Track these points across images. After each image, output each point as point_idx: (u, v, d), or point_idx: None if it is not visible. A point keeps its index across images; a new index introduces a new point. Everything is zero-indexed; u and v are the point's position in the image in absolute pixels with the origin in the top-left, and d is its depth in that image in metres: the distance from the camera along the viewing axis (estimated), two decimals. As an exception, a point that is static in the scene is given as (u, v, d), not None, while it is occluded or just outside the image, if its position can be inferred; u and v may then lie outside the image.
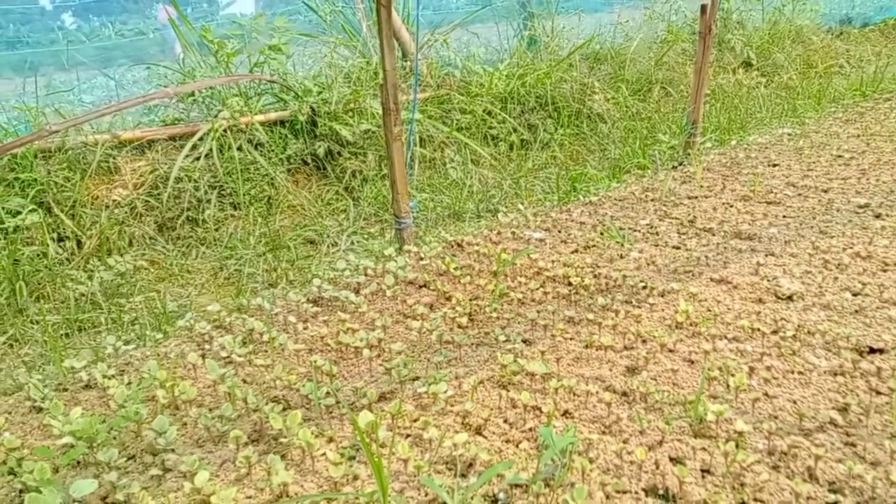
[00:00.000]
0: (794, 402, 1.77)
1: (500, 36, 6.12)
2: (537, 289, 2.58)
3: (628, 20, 6.77)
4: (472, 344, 2.20)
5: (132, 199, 3.64)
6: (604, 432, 1.69)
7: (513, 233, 3.29)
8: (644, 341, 2.14)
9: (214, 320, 2.46)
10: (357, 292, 2.63)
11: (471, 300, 2.51)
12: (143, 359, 2.20)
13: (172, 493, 1.46)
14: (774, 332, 2.14)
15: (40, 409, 1.92)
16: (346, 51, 4.99)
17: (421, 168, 4.47)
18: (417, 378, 1.97)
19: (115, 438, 1.68)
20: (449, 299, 2.56)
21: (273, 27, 4.28)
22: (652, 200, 3.62)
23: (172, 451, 1.62)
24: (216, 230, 3.67)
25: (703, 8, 4.05)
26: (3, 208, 3.28)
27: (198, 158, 3.79)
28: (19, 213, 3.27)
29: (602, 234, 3.18)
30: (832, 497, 1.41)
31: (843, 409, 1.71)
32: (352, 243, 3.60)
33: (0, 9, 6.41)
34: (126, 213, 3.58)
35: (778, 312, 2.27)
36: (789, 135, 4.85)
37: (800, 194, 3.52)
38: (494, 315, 2.40)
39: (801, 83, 6.55)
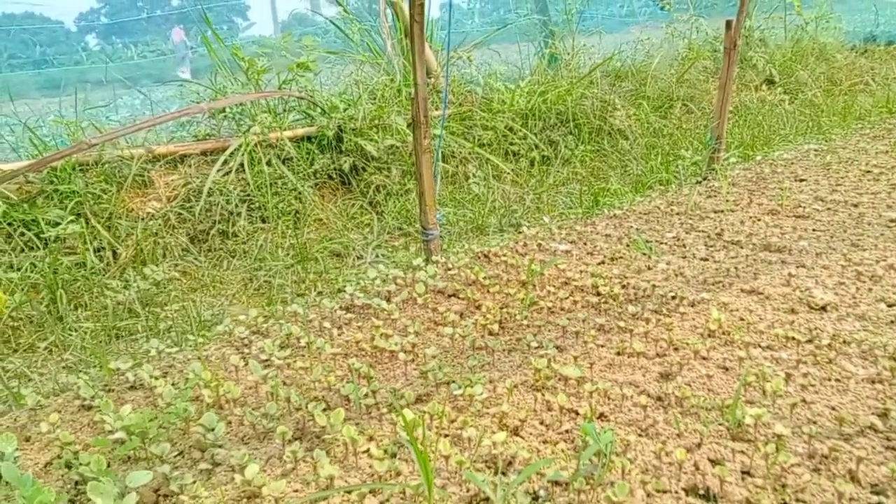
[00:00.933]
0: (833, 408, 1.78)
1: (520, 54, 6.21)
2: (566, 298, 2.60)
3: (649, 38, 6.84)
4: (505, 350, 2.23)
5: (165, 212, 3.72)
6: (641, 434, 1.71)
7: (539, 245, 3.32)
8: (676, 349, 2.16)
9: (252, 325, 2.51)
10: (388, 300, 2.67)
11: (501, 308, 2.54)
12: (186, 361, 2.26)
13: (223, 485, 1.50)
14: (809, 341, 2.15)
15: (90, 408, 1.97)
16: (371, 68, 5.08)
17: (444, 183, 4.52)
18: (452, 381, 2.00)
19: (164, 434, 1.73)
20: (479, 307, 2.59)
21: (301, 45, 4.39)
22: (677, 214, 3.64)
23: (220, 446, 1.67)
24: (246, 242, 3.74)
25: (728, 23, 4.10)
26: (44, 219, 3.38)
27: (228, 172, 3.88)
28: (58, 223, 3.36)
29: (628, 246, 3.20)
30: (875, 498, 1.42)
31: (883, 415, 1.71)
32: (377, 256, 3.65)
33: (27, 31, 6.60)
34: (160, 224, 3.66)
35: (812, 322, 2.28)
36: (816, 150, 4.86)
37: (829, 208, 3.53)
38: (525, 322, 2.43)
39: (826, 100, 6.56)
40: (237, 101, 3.99)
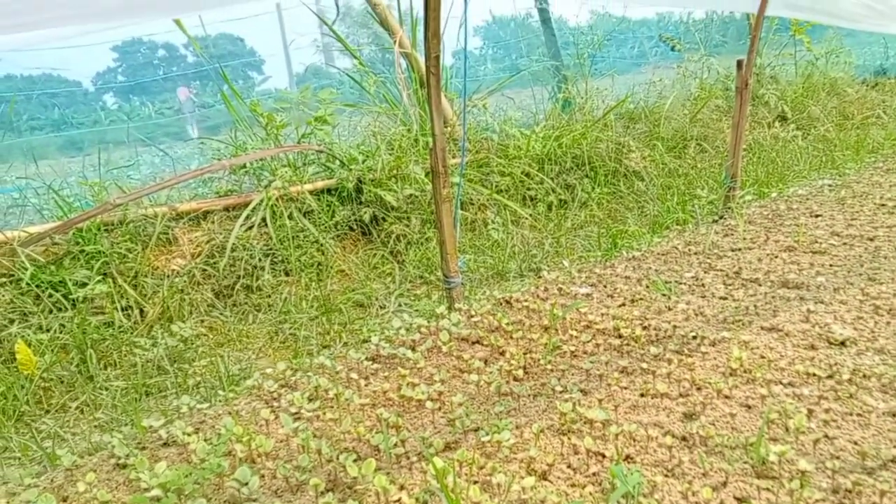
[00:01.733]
0: (855, 443, 1.78)
1: (534, 98, 6.34)
2: (589, 341, 2.63)
3: (661, 79, 6.95)
4: (530, 395, 2.26)
5: (190, 269, 3.81)
6: (667, 475, 1.72)
7: (559, 289, 3.36)
8: (699, 388, 2.18)
9: (280, 379, 2.56)
10: (413, 349, 2.72)
11: (524, 354, 2.58)
12: (217, 417, 2.31)
13: (258, 538, 1.53)
14: (830, 377, 2.16)
15: (125, 466, 2.02)
16: (387, 119, 5.22)
17: (463, 230, 4.59)
18: (479, 428, 2.03)
19: (200, 490, 1.77)
20: (503, 353, 2.63)
21: (319, 99, 4.53)
22: (695, 254, 3.67)
23: (255, 500, 1.70)
24: (270, 296, 3.81)
25: (739, 63, 4.18)
26: (71, 280, 3.48)
27: (251, 227, 3.98)
28: (85, 284, 3.46)
29: (648, 287, 3.23)
30: (904, 534, 1.42)
31: (907, 449, 1.72)
32: (399, 305, 3.71)
33: (47, 93, 6.85)
34: (185, 281, 3.74)
35: (832, 358, 2.29)
36: (830, 186, 4.88)
37: (845, 243, 3.55)
38: (549, 367, 2.46)
39: (838, 135, 6.60)
40: (258, 156, 4.12)
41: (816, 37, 8.41)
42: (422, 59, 5.17)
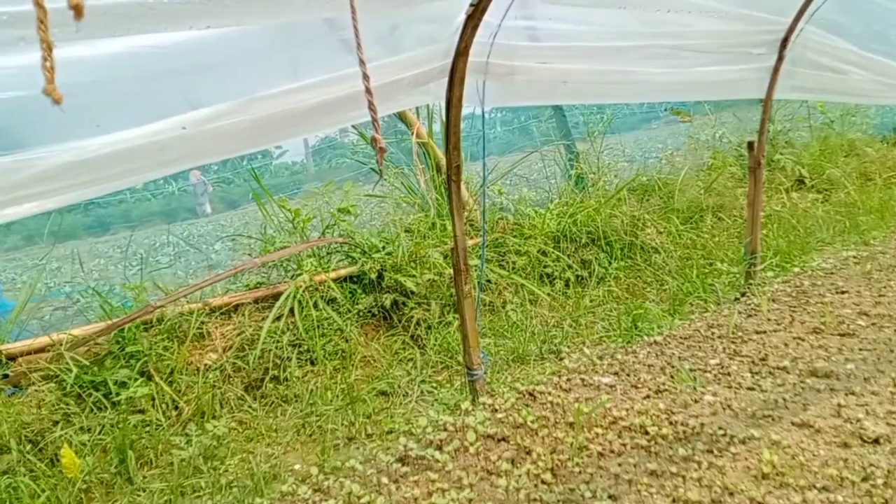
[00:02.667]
0: (896, 559, 1.75)
1: (546, 173, 6.45)
2: (615, 440, 2.62)
3: (672, 150, 7.03)
4: (560, 502, 2.25)
5: (222, 363, 3.87)
6: None
7: (582, 379, 3.36)
8: (731, 494, 2.16)
9: (313, 484, 2.58)
10: (441, 449, 2.72)
11: (551, 453, 2.57)
12: (249, 530, 2.32)
13: None
14: (864, 480, 2.14)
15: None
16: (406, 205, 5.33)
17: (482, 313, 4.63)
18: (510, 543, 2.02)
19: None
20: (529, 453, 2.62)
21: (343, 191, 4.67)
22: (719, 338, 3.66)
23: None
24: (297, 387, 3.85)
25: (751, 144, 4.26)
26: (112, 379, 3.55)
27: (279, 318, 4.05)
28: (125, 383, 3.54)
29: (672, 377, 3.22)
30: None
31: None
32: (422, 392, 3.73)
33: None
34: (217, 375, 3.80)
35: (865, 458, 2.26)
36: (855, 258, 4.85)
37: (873, 324, 3.52)
38: (577, 470, 2.45)
39: (860, 197, 6.54)
40: (287, 254, 4.23)
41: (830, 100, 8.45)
42: (438, 149, 5.33)
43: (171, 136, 1.98)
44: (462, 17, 2.32)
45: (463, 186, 5.36)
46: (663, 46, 3.22)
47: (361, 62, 1.60)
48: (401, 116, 5.39)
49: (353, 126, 5.40)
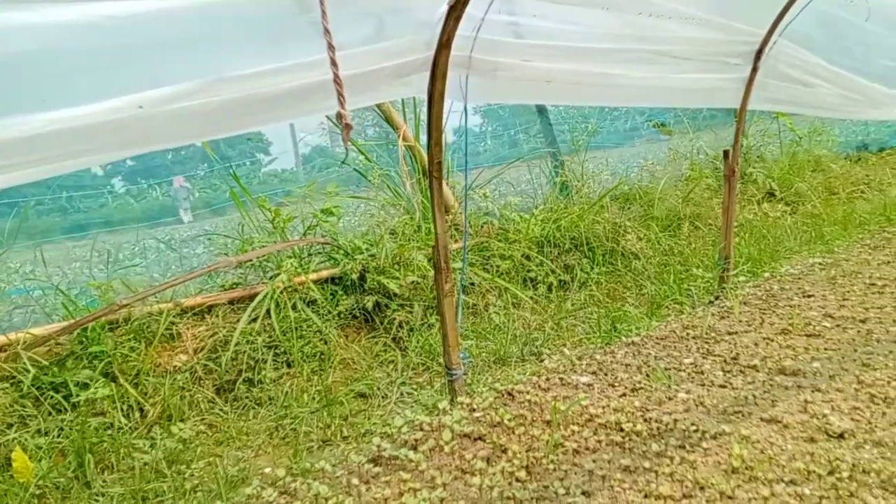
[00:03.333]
0: (860, 548, 1.79)
1: (532, 181, 6.51)
2: (591, 437, 2.65)
3: (653, 161, 7.16)
4: (533, 499, 2.27)
5: (192, 365, 3.83)
6: (673, 587, 1.73)
7: (560, 378, 3.39)
8: (702, 488, 2.19)
9: (280, 486, 2.56)
10: (415, 449, 2.73)
11: (527, 451, 2.59)
12: (220, 527, 2.30)
13: None
14: (830, 473, 2.18)
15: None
16: (391, 208, 5.35)
17: (465, 314, 4.65)
18: (484, 536, 2.03)
19: None
20: (505, 451, 2.64)
21: (325, 192, 4.67)
22: (693, 338, 3.72)
23: None
24: (271, 389, 3.82)
25: (726, 153, 4.35)
26: (73, 381, 3.47)
27: (255, 320, 4.03)
28: (87, 384, 3.46)
29: (648, 375, 3.27)
30: None
31: (910, 555, 1.73)
32: (401, 394, 3.73)
33: (55, 178, 6.99)
34: (187, 378, 3.75)
35: (831, 452, 2.31)
36: (820, 264, 4.98)
37: (838, 325, 3.60)
38: (552, 467, 2.48)
39: (825, 210, 6.75)
40: (264, 252, 4.21)
41: (798, 117, 8.69)
42: (425, 153, 5.35)
43: (127, 115, 1.94)
44: (444, 8, 2.34)
45: (447, 189, 5.41)
46: (646, 51, 3.29)
47: (330, 47, 1.62)
48: (387, 119, 5.41)
49: (328, 117, 5.41)
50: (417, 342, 4.24)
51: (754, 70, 4.09)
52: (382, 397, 3.72)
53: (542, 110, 7.14)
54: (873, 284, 4.24)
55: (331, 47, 1.98)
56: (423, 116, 5.53)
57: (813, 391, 2.82)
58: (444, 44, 2.48)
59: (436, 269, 3.13)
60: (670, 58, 3.50)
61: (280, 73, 2.24)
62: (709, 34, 3.50)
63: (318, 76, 2.24)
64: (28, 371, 3.38)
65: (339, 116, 1.58)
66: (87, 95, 2.02)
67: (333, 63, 1.73)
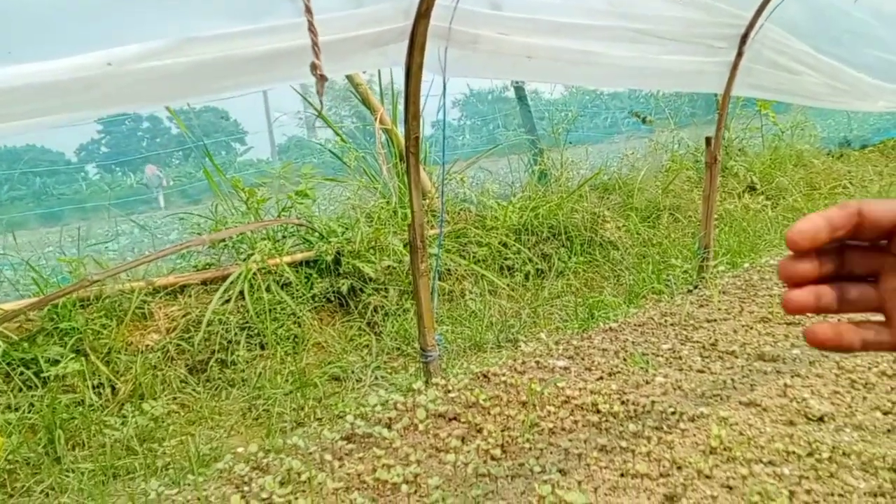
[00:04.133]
0: (838, 526, 1.76)
1: (510, 167, 6.46)
2: (567, 417, 2.61)
3: (634, 151, 7.14)
4: (508, 476, 2.21)
5: (164, 344, 3.75)
6: (649, 564, 1.68)
7: (537, 362, 3.34)
8: (679, 468, 2.15)
9: (252, 461, 2.49)
10: (389, 427, 2.66)
11: (502, 431, 2.54)
12: (185, 503, 2.23)
13: None
14: (810, 455, 2.15)
15: (85, 559, 1.93)
16: (367, 192, 5.27)
17: (441, 301, 4.59)
18: (456, 514, 1.98)
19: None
20: (480, 431, 2.58)
21: (301, 174, 4.58)
22: (672, 325, 3.69)
23: None
24: (244, 371, 3.74)
25: (708, 140, 4.32)
26: (43, 357, 3.39)
27: (228, 301, 3.94)
28: (58, 361, 3.38)
29: (625, 360, 3.23)
30: None
31: (889, 532, 1.70)
32: (376, 378, 3.66)
33: (29, 163, 6.86)
34: (159, 357, 3.67)
35: (811, 434, 2.28)
36: (800, 255, 4.97)
37: (818, 315, 3.58)
38: (527, 445, 2.42)
39: (806, 204, 6.76)
40: (238, 231, 4.12)
41: (781, 111, 8.73)
42: (402, 135, 5.29)
43: (96, 72, 1.86)
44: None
45: (424, 175, 5.33)
46: (629, 30, 3.23)
47: (308, 10, 1.55)
48: (364, 101, 5.33)
49: (303, 97, 5.29)
50: (392, 327, 4.18)
51: (739, 55, 4.06)
52: (357, 380, 3.64)
53: (521, 97, 7.09)
54: (851, 275, 4.24)
55: (308, 10, 1.91)
56: (401, 104, 5.48)
57: (793, 376, 2.80)
58: (423, 13, 2.41)
59: (411, 248, 3.06)
60: (654, 37, 3.45)
61: (253, 34, 2.16)
62: (694, 14, 3.46)
63: (293, 40, 2.16)
64: (-2, 346, 3.29)
65: (314, 67, 1.51)
66: (56, 50, 1.94)
67: (311, 25, 1.66)
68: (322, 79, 1.49)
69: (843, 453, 2.14)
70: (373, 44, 2.41)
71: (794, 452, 2.14)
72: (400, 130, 5.39)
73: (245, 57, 2.17)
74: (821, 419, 2.40)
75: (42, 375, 3.31)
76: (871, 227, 0.55)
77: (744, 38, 3.94)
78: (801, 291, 0.58)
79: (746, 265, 4.88)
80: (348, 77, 5.46)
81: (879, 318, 0.58)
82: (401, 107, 5.47)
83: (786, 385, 2.69)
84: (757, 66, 4.22)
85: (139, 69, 2.01)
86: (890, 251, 0.57)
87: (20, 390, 3.28)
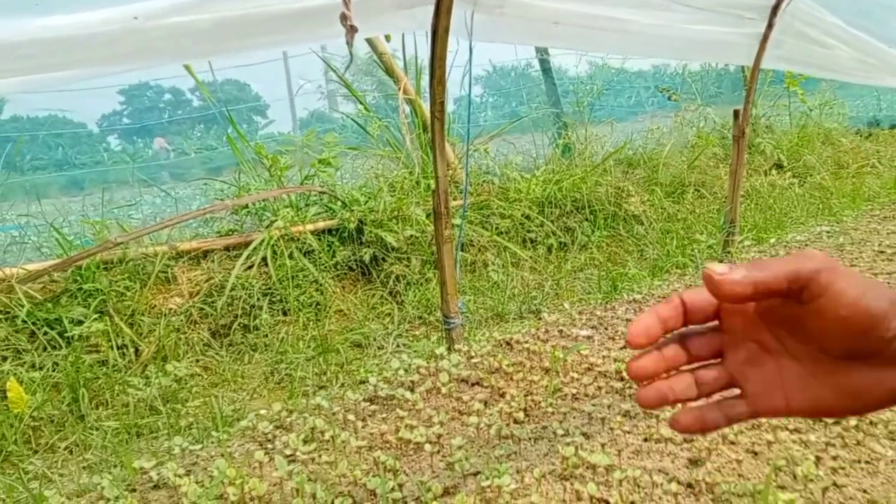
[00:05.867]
0: (864, 491, 1.74)
1: (534, 144, 6.40)
2: (590, 384, 2.59)
3: (659, 126, 7.04)
4: (531, 438, 2.21)
5: (188, 308, 3.77)
6: (674, 524, 1.67)
7: (560, 331, 3.33)
8: (704, 434, 2.13)
9: (275, 420, 2.51)
10: (412, 390, 2.67)
11: (525, 396, 2.53)
12: (209, 459, 2.25)
13: (250, 585, 1.47)
14: (836, 423, 2.12)
15: (113, 508, 1.96)
16: (390, 162, 5.25)
17: (463, 271, 4.57)
18: (479, 472, 1.97)
19: (188, 533, 1.71)
20: (503, 395, 2.58)
21: (323, 143, 4.57)
22: (697, 297, 3.65)
23: (246, 544, 1.65)
24: (267, 336, 3.77)
25: (736, 113, 4.24)
26: (67, 317, 3.43)
27: (251, 267, 3.96)
28: (82, 322, 3.42)
29: (650, 330, 3.19)
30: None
31: (920, 498, 1.67)
32: (398, 346, 3.66)
33: (51, 133, 6.90)
34: (182, 320, 3.70)
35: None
36: (828, 232, 4.89)
37: (847, 287, 3.53)
38: (550, 410, 2.42)
39: (834, 183, 6.64)
40: (261, 197, 4.12)
41: (810, 89, 8.55)
42: (425, 105, 5.25)
43: (119, 27, 1.85)
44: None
45: (448, 146, 5.30)
46: (659, -5, 3.17)
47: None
48: (388, 71, 5.29)
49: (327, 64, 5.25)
50: (414, 296, 4.18)
51: (770, 26, 3.96)
52: (378, 348, 3.65)
53: (546, 69, 7.00)
54: (882, 252, 4.16)
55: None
56: (425, 78, 5.43)
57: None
58: (452, -26, 2.37)
59: (435, 214, 3.04)
60: (683, 6, 3.37)
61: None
62: (725, -19, 3.38)
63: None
64: (23, 306, 3.33)
65: (343, 17, 1.49)
66: (82, 3, 1.93)
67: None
68: (352, 29, 1.47)
69: (870, 422, 2.10)
70: (400, 5, 2.38)
71: (820, 420, 2.12)
72: (423, 101, 5.35)
73: (269, 15, 2.15)
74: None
75: (66, 335, 3.35)
76: (697, 312, 0.61)
77: (774, 9, 3.84)
78: (654, 386, 0.62)
79: (773, 240, 4.81)
80: (372, 46, 5.42)
81: (735, 391, 0.63)
82: (424, 82, 5.44)
83: (814, 356, 2.65)
84: (787, 39, 4.13)
85: (164, 25, 2.00)
86: (722, 330, 0.63)
87: (44, 350, 3.32)
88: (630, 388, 2.54)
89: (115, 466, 2.37)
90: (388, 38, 5.39)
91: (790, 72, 7.61)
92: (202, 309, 3.80)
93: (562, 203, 5.34)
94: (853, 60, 4.50)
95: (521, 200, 5.18)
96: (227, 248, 4.11)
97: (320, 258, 4.20)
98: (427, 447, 2.13)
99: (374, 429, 2.36)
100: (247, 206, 4.30)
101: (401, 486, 1.91)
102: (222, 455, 2.24)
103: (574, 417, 2.34)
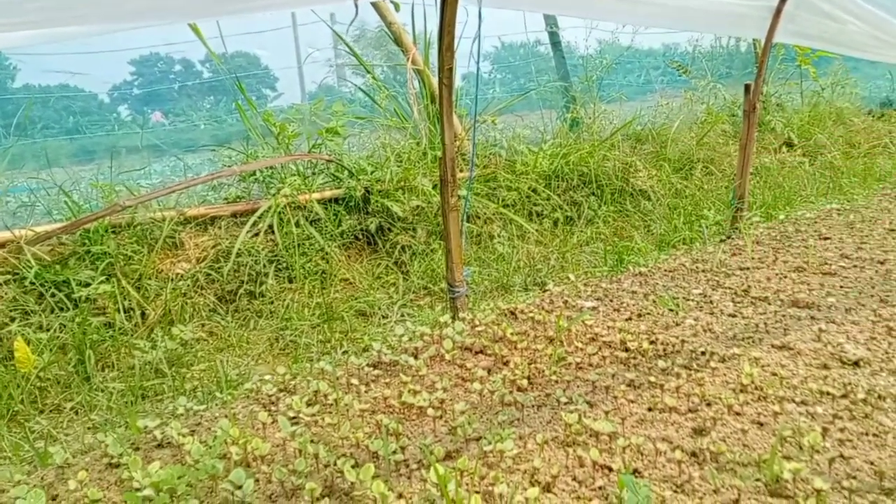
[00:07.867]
0: (872, 463, 1.73)
1: (542, 119, 6.34)
2: (594, 353, 2.59)
3: (668, 102, 6.96)
4: (534, 405, 2.21)
5: (194, 273, 3.78)
6: (676, 490, 1.67)
7: (565, 301, 3.32)
8: (709, 404, 2.12)
9: (279, 383, 2.51)
10: (416, 356, 2.67)
11: (529, 364, 2.53)
12: (213, 419, 2.26)
13: (252, 540, 1.48)
14: (844, 396, 2.11)
15: (117, 466, 1.97)
16: (398, 133, 5.21)
17: (469, 243, 4.56)
18: (482, 437, 1.97)
19: (192, 492, 1.72)
20: (507, 363, 2.58)
21: (331, 112, 4.53)
22: (703, 271, 3.63)
23: None
24: (272, 302, 3.77)
25: (747, 87, 4.18)
26: (75, 280, 3.44)
27: (257, 234, 3.95)
28: (89, 284, 3.42)
29: (655, 302, 3.19)
30: (924, 555, 1.37)
31: (925, 469, 1.66)
32: (402, 315, 3.66)
33: (62, 102, 6.88)
34: (188, 285, 3.70)
35: (845, 377, 2.24)
36: (838, 210, 4.85)
37: (855, 265, 3.50)
38: (554, 378, 2.41)
39: (845, 162, 6.58)
40: (268, 164, 4.10)
41: (822, 68, 8.45)
42: (433, 77, 5.19)
43: None
44: None
45: (455, 117, 5.25)
46: (670, -38, 3.11)
47: None
48: (397, 40, 5.23)
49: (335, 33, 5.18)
50: (420, 266, 4.17)
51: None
52: (383, 316, 3.65)
53: (556, 42, 6.91)
54: (893, 230, 4.13)
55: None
56: (433, 55, 5.35)
57: (827, 322, 2.74)
58: (465, -67, 2.32)
59: (441, 182, 3.02)
60: (698, -26, 3.32)
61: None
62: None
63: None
64: (31, 267, 3.33)
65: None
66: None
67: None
68: (362, -19, 1.43)
69: (879, 396, 2.09)
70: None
71: (828, 393, 2.11)
72: (431, 73, 5.29)
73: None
74: (856, 363, 2.35)
75: (73, 297, 3.36)
76: None
77: (789, -19, 3.77)
78: None
79: (782, 217, 4.77)
80: (381, 16, 5.36)
81: None
82: (432, 58, 5.37)
83: (820, 330, 2.63)
84: (800, 13, 4.06)
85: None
86: None
87: (52, 311, 3.33)
88: (634, 358, 2.53)
89: (120, 427, 2.38)
90: (397, 7, 5.33)
91: (802, 50, 7.50)
92: (209, 274, 3.80)
93: (569, 177, 5.31)
94: (866, 36, 4.42)
95: (528, 174, 5.15)
96: (234, 215, 4.10)
97: (326, 227, 4.19)
98: (430, 412, 2.13)
99: (378, 393, 2.36)
100: (254, 174, 4.28)
101: (403, 448, 1.91)
102: (226, 416, 2.24)
103: (578, 386, 2.34)
